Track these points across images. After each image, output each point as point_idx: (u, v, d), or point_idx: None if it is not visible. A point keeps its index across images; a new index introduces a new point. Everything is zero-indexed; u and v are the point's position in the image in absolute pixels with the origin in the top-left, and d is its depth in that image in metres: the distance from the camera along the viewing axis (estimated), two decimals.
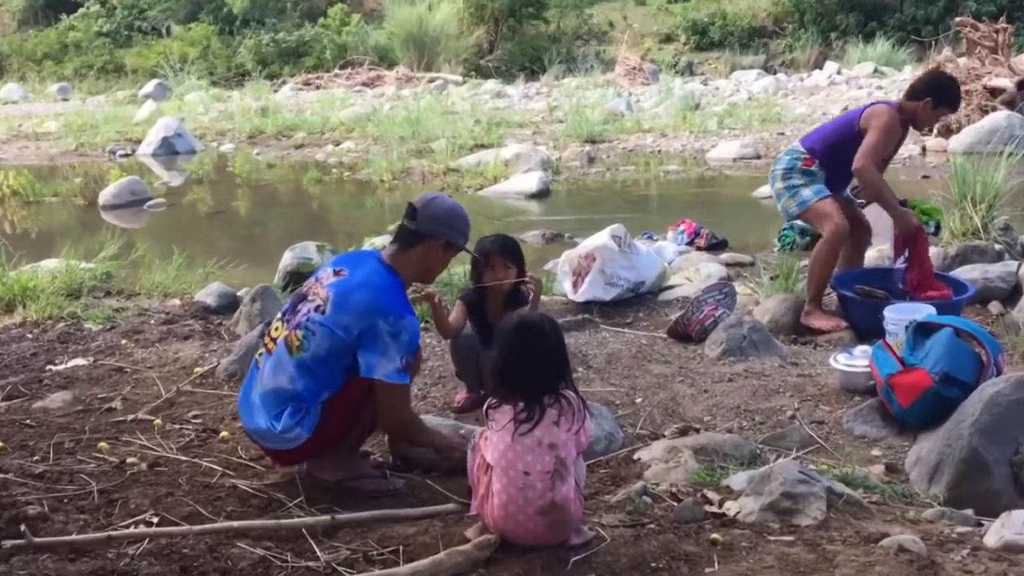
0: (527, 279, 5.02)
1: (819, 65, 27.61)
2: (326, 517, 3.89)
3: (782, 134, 17.54)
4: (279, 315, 4.33)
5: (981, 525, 3.85)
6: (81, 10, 34.72)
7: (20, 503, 4.01)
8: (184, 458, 4.61)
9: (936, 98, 6.63)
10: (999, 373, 4.79)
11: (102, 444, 4.74)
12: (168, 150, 18.44)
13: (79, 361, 6.20)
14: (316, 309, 4.10)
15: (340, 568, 3.53)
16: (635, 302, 7.39)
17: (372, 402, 4.11)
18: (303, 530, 3.80)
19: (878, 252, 8.14)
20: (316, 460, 4.29)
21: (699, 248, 9.72)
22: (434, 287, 5.48)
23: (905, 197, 7.08)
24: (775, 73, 26.86)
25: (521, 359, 3.60)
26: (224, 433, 4.91)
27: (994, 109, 15.56)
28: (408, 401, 4.22)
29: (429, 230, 4.21)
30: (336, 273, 4.18)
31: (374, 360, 3.98)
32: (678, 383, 5.66)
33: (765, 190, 12.99)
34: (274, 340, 4.22)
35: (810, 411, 5.19)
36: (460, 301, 5.21)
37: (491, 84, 26.90)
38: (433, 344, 6.32)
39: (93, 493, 4.20)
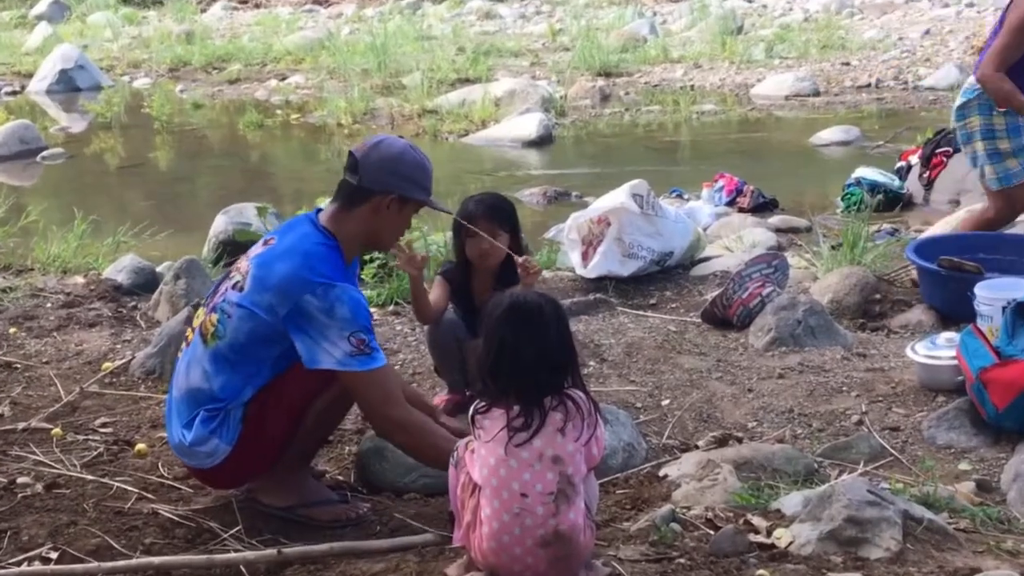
0: (520, 259, 4.96)
1: None
2: (271, 551, 3.89)
3: (847, 64, 17.54)
4: (205, 298, 4.35)
5: None
6: None
7: None
8: (90, 477, 4.60)
9: None
10: None
11: None
12: (67, 86, 18.42)
13: None
14: (234, 287, 4.12)
15: None
16: (661, 278, 7.40)
17: (319, 401, 4.12)
18: (241, 567, 3.80)
19: (968, 213, 8.14)
20: (257, 481, 4.30)
21: (742, 209, 9.73)
22: (421, 248, 5.46)
23: None
24: None
25: (515, 351, 3.60)
26: (140, 446, 4.90)
27: None
28: (389, 391, 4.07)
29: (376, 183, 4.17)
30: (265, 243, 4.21)
31: (313, 347, 3.98)
32: (715, 380, 5.67)
33: (826, 135, 13.10)
34: (194, 329, 4.25)
35: (881, 415, 5.20)
36: (440, 278, 5.21)
37: (478, 2, 26.85)
38: (406, 332, 6.33)
39: None
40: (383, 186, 4.16)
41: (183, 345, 4.32)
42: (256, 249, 4.22)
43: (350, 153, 4.24)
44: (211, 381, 4.11)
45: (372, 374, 4.02)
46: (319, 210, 4.29)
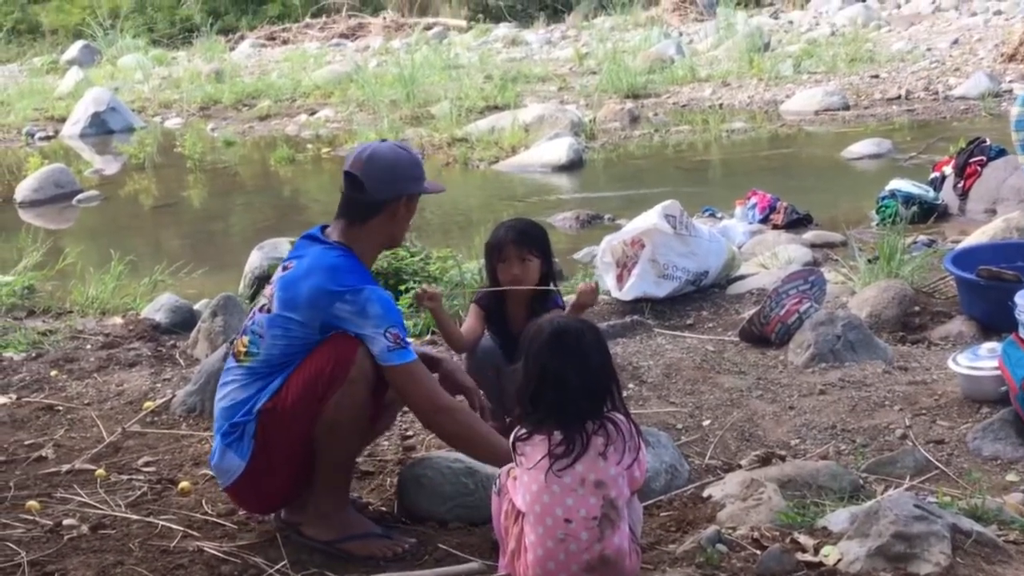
0: (552, 288, 5.00)
1: None
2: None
3: (876, 77, 17.50)
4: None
5: None
6: None
7: None
8: (135, 517, 4.62)
9: None
10: None
11: (31, 503, 4.75)
12: (100, 129, 18.57)
13: None
14: (261, 309, 4.25)
15: None
16: (697, 298, 7.39)
17: (321, 424, 4.14)
18: None
19: (1005, 222, 8.11)
20: (300, 515, 4.31)
21: (776, 226, 9.71)
22: (436, 286, 5.48)
23: None
24: None
25: (557, 378, 3.60)
26: (184, 484, 4.91)
27: None
28: (425, 383, 4.22)
29: (384, 193, 4.30)
30: (284, 269, 4.31)
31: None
32: (755, 399, 5.65)
33: (857, 149, 13.06)
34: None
35: (925, 428, 5.17)
36: (474, 306, 5.21)
37: (503, 29, 26.99)
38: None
39: (23, 566, 4.21)
40: (393, 193, 4.31)
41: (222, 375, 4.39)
42: (277, 274, 4.32)
43: (346, 173, 4.34)
44: (236, 395, 4.20)
45: (412, 366, 4.16)
46: (322, 228, 4.39)
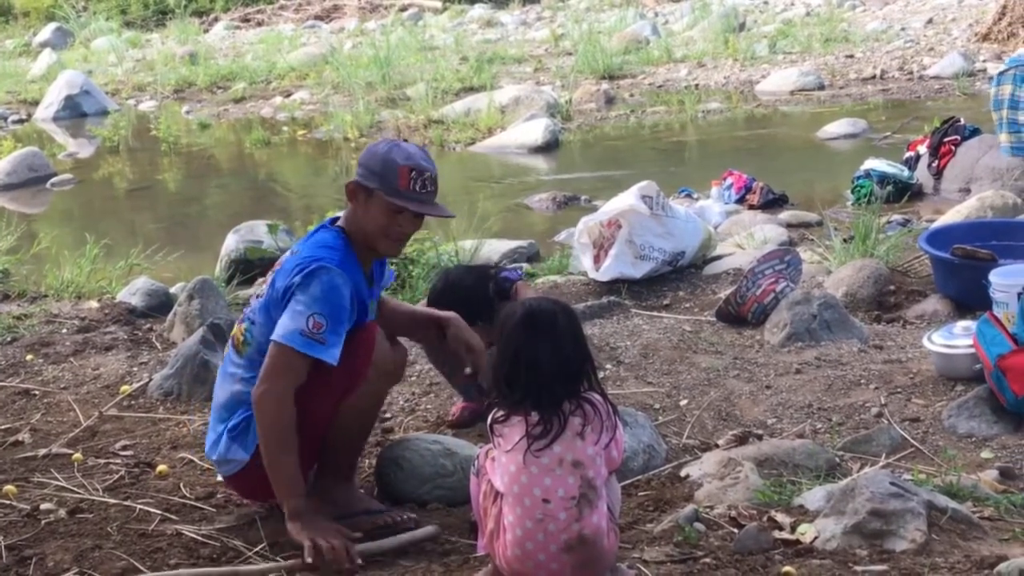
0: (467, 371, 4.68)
1: None
2: (296, 561, 3.91)
3: (851, 57, 17.52)
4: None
5: None
6: None
7: None
8: (113, 501, 4.61)
9: None
10: None
11: (8, 487, 4.74)
12: (73, 112, 18.47)
13: None
14: (257, 297, 4.24)
15: None
16: (674, 278, 7.40)
17: (340, 416, 4.15)
18: None
19: (979, 201, 8.14)
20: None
21: (752, 206, 9.73)
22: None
23: None
24: None
25: (530, 359, 3.60)
26: (161, 467, 4.92)
27: None
28: (286, 378, 3.97)
29: (356, 178, 4.23)
30: (292, 253, 4.26)
31: (283, 319, 4.00)
32: (732, 378, 5.67)
33: (832, 129, 13.09)
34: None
35: (901, 406, 5.20)
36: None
37: (479, 10, 26.91)
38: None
39: (0, 550, 4.21)
40: (357, 178, 4.20)
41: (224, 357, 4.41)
42: (281, 260, 4.29)
43: None
44: (237, 385, 4.19)
45: (299, 357, 3.96)
46: (337, 217, 4.34)
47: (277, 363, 4.00)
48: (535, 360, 3.59)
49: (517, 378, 3.61)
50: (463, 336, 4.55)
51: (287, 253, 4.29)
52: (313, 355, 3.96)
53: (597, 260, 7.33)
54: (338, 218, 4.32)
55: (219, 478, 4.65)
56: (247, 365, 4.18)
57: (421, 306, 5.02)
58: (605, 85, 16.86)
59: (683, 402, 5.41)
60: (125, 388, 5.93)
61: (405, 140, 4.54)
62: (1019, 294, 5.29)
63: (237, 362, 4.24)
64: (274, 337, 3.98)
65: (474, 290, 5.08)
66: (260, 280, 4.33)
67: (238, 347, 4.24)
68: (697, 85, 16.91)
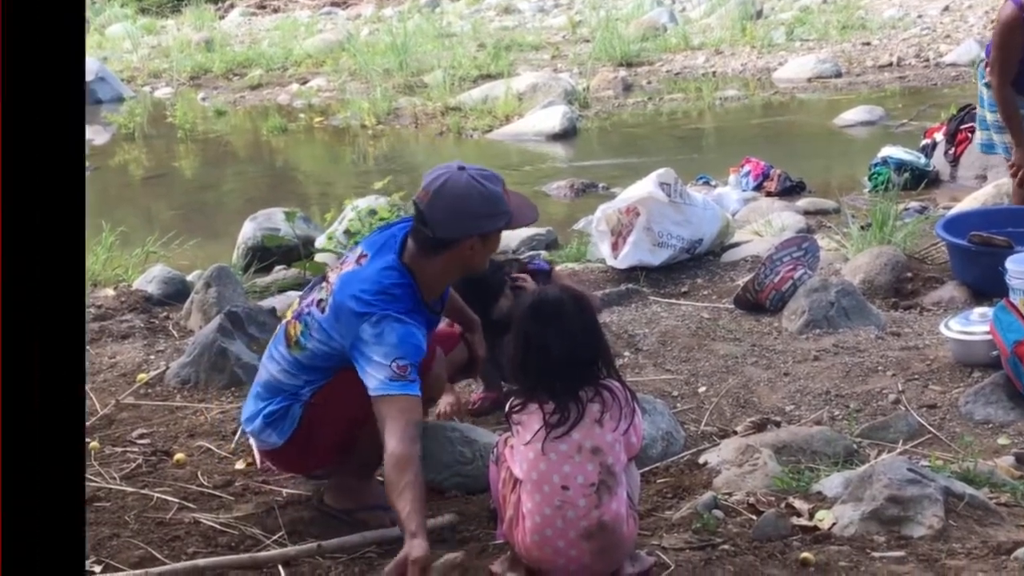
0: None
1: None
2: (311, 546, 3.95)
3: (867, 44, 17.47)
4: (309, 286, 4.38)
5: None
6: None
7: None
8: (130, 489, 4.63)
9: None
10: None
11: None
12: (89, 99, 18.38)
13: None
14: (319, 304, 4.10)
15: None
16: (692, 266, 7.40)
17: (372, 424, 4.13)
18: (282, 566, 3.85)
19: (996, 188, 8.12)
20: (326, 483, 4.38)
21: (769, 194, 9.73)
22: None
23: None
24: None
25: (540, 348, 3.61)
26: (179, 456, 4.92)
27: None
28: (405, 423, 3.86)
29: (450, 231, 4.01)
30: (360, 259, 4.15)
31: (363, 373, 3.94)
32: (750, 365, 5.67)
33: (849, 116, 13.07)
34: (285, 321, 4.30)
35: (918, 393, 5.20)
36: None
37: None
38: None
39: None
40: (460, 233, 4.01)
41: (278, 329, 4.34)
42: (348, 264, 4.16)
43: (414, 203, 4.11)
44: (283, 379, 4.17)
45: (406, 400, 3.90)
46: (409, 229, 4.14)
47: (387, 415, 3.87)
48: (545, 346, 3.60)
49: (529, 366, 3.64)
50: (473, 342, 4.63)
51: (350, 264, 4.13)
52: (411, 393, 3.90)
53: (615, 247, 7.33)
54: (405, 228, 4.16)
55: (238, 466, 4.68)
56: (294, 363, 4.15)
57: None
58: (623, 72, 16.84)
59: (701, 389, 5.42)
60: (142, 376, 5.95)
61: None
62: None
63: (286, 356, 4.17)
64: (372, 394, 3.89)
65: (486, 283, 5.06)
66: (321, 284, 4.13)
67: (290, 343, 4.16)
68: (714, 72, 16.90)
